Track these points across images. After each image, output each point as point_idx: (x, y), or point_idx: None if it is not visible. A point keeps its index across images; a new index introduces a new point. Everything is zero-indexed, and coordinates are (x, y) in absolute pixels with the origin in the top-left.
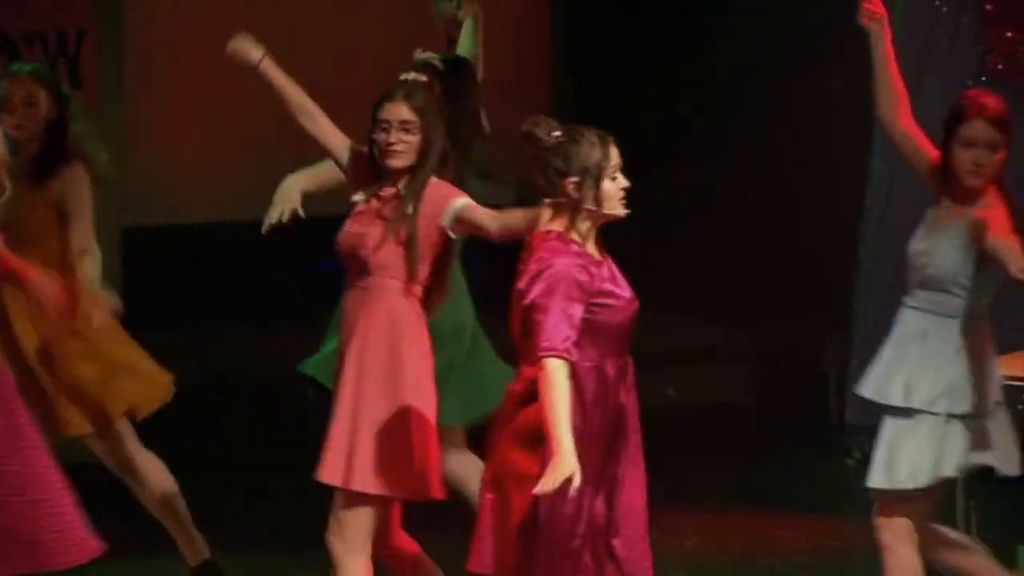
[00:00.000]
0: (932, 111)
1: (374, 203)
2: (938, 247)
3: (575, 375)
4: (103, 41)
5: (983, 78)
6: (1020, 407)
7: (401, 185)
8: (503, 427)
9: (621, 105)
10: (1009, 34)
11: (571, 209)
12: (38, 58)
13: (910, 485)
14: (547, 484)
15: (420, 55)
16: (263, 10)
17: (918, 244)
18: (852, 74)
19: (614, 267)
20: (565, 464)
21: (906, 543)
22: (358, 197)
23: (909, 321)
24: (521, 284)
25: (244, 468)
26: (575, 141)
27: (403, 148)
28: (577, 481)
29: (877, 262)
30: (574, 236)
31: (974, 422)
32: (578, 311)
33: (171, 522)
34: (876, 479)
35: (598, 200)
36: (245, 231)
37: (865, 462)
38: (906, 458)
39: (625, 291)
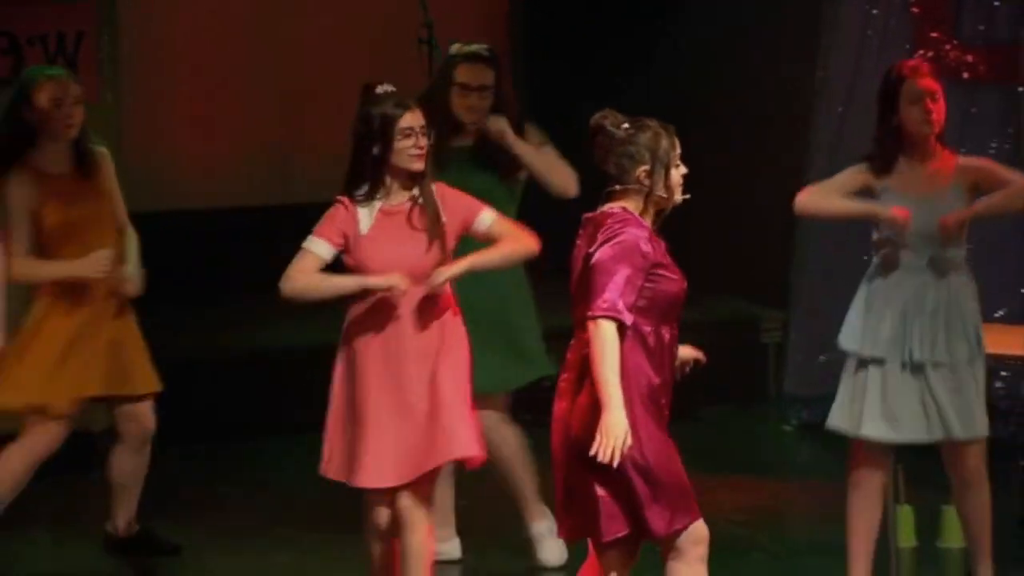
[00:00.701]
0: (866, 106)
1: (392, 218)
2: (942, 207)
3: (642, 337)
4: (100, 41)
5: None
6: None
7: (415, 192)
8: (571, 394)
9: (574, 93)
10: (934, 34)
11: (642, 195)
12: (39, 58)
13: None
14: (605, 450)
15: (462, 48)
16: (250, 11)
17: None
18: (794, 59)
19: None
20: (618, 426)
21: None
22: (364, 225)
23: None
24: (591, 250)
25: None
26: (644, 132)
27: (423, 153)
28: (630, 440)
29: (814, 239)
30: (638, 215)
31: None
32: (640, 279)
33: (132, 491)
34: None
35: (667, 187)
36: (233, 217)
37: (801, 429)
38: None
39: (676, 270)
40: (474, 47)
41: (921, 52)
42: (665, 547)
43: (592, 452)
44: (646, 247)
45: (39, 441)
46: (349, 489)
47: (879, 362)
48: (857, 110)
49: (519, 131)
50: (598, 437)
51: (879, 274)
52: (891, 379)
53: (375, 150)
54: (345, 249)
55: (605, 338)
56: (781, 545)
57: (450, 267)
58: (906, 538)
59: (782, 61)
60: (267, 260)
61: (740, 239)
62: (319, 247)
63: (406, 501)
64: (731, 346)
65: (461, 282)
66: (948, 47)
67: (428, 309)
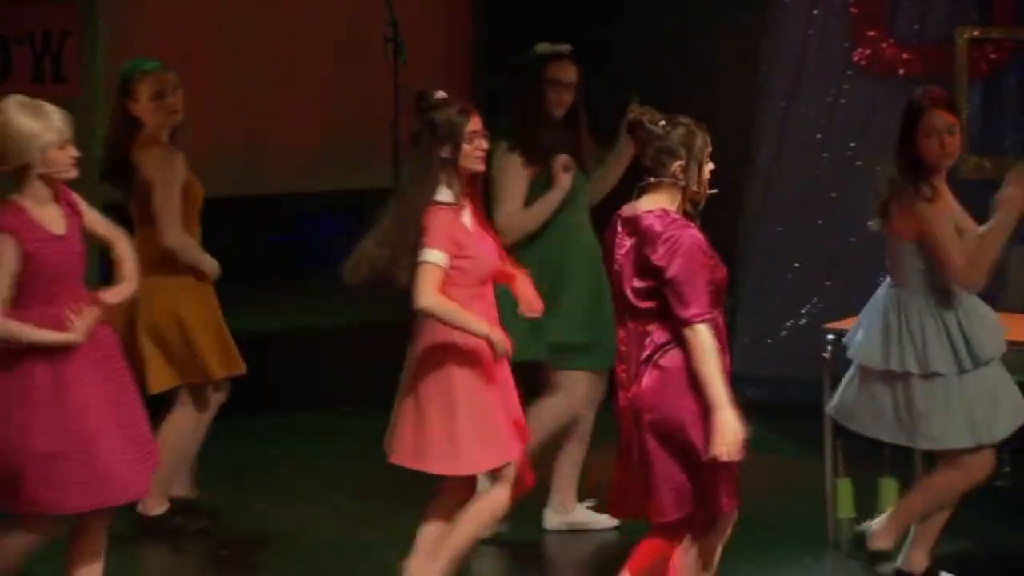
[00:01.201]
0: (809, 100)
1: (473, 218)
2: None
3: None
4: (83, 40)
5: (849, 72)
6: None
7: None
8: (630, 383)
9: None
10: (871, 33)
11: (676, 189)
12: (27, 57)
13: None
14: (725, 449)
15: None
16: (224, 11)
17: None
18: (739, 58)
19: None
20: (731, 425)
21: None
22: (467, 219)
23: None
24: (657, 259)
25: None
26: (679, 128)
27: (485, 155)
28: (743, 436)
29: (759, 230)
30: (675, 211)
31: None
32: (707, 275)
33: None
34: None
35: (700, 181)
36: (208, 207)
37: (748, 407)
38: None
39: (720, 262)
40: (561, 47)
41: (859, 50)
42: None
43: (711, 455)
44: (703, 243)
45: (207, 403)
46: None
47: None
48: (799, 106)
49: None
50: (715, 438)
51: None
52: None
53: (444, 153)
54: (458, 253)
55: (704, 343)
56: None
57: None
58: (845, 510)
59: (727, 59)
60: (240, 248)
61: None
62: (440, 258)
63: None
64: None
65: None
66: (885, 45)
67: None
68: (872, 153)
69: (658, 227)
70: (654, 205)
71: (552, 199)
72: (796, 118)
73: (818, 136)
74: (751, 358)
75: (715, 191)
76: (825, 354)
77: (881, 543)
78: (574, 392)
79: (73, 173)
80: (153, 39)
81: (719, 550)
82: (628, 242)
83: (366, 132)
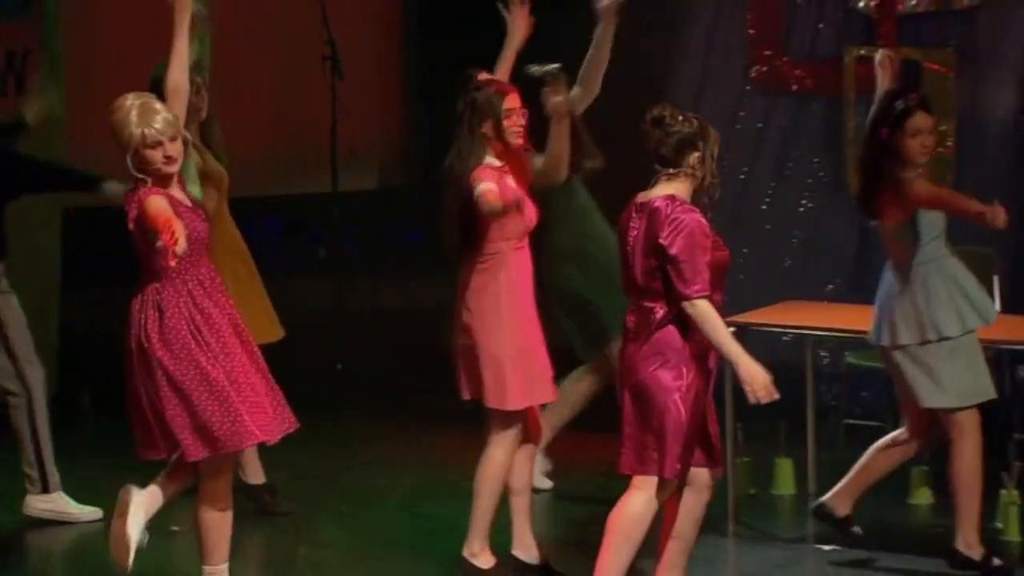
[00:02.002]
0: (711, 113)
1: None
2: None
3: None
4: (45, 55)
5: (748, 87)
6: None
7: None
8: (639, 351)
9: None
10: (767, 52)
11: (690, 179)
12: None
13: None
14: (762, 395)
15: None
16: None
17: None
18: (649, 70)
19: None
20: (755, 372)
21: None
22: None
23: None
24: (662, 239)
25: None
26: (695, 125)
27: (523, 130)
28: (765, 375)
29: None
30: (685, 198)
31: None
32: (709, 255)
33: None
34: None
35: (712, 172)
36: None
37: None
38: None
39: (722, 245)
40: (549, 67)
41: (756, 68)
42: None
43: (752, 402)
44: (706, 227)
45: None
46: None
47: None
48: (704, 115)
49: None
50: (745, 388)
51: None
52: None
53: (485, 129)
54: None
55: (706, 313)
56: None
57: None
58: (745, 486)
59: (641, 72)
60: None
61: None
62: (493, 187)
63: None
64: None
65: None
66: (779, 63)
67: None
68: (766, 162)
69: (666, 210)
70: (665, 192)
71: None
72: None
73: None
74: None
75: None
76: None
77: (842, 511)
78: (610, 367)
79: (168, 169)
80: (110, 56)
81: (693, 515)
82: (639, 226)
83: (307, 142)
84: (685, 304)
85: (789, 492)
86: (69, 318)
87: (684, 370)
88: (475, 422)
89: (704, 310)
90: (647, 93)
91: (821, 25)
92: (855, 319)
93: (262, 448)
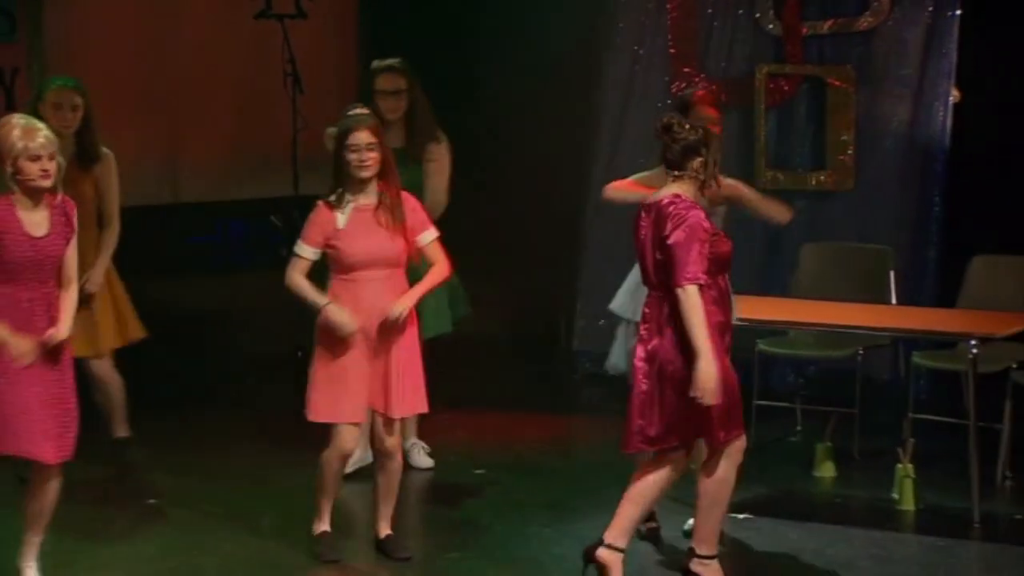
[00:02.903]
0: (636, 125)
1: (362, 214)
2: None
3: (706, 288)
4: (31, 74)
5: (669, 101)
6: None
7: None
8: (651, 339)
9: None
10: (686, 68)
11: (694, 182)
12: None
13: None
14: (706, 394)
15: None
16: (148, 50)
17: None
18: (580, 94)
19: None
20: (709, 374)
21: None
22: (342, 221)
23: None
24: (665, 232)
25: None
26: (699, 133)
27: (368, 164)
28: (717, 380)
29: (595, 228)
30: (690, 197)
31: None
32: (706, 248)
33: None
34: None
35: (714, 176)
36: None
37: (587, 377)
38: None
39: (724, 240)
40: (388, 60)
41: (676, 83)
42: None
43: (691, 395)
44: (706, 223)
45: None
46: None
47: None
48: (628, 130)
49: (429, 135)
50: (695, 383)
51: None
52: None
53: (339, 161)
54: (328, 244)
55: (693, 301)
56: (571, 466)
57: (405, 300)
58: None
59: (570, 98)
60: (157, 252)
61: (534, 227)
62: (306, 251)
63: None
64: (534, 313)
65: None
66: (697, 79)
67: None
68: None
69: (669, 207)
70: (671, 192)
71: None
72: (626, 140)
73: (641, 157)
74: (588, 336)
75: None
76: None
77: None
78: None
79: (42, 183)
80: (89, 73)
81: (734, 468)
82: (648, 224)
83: (270, 150)
84: (677, 290)
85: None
86: None
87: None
88: None
89: (692, 296)
90: (577, 107)
91: (735, 45)
92: (767, 311)
93: None
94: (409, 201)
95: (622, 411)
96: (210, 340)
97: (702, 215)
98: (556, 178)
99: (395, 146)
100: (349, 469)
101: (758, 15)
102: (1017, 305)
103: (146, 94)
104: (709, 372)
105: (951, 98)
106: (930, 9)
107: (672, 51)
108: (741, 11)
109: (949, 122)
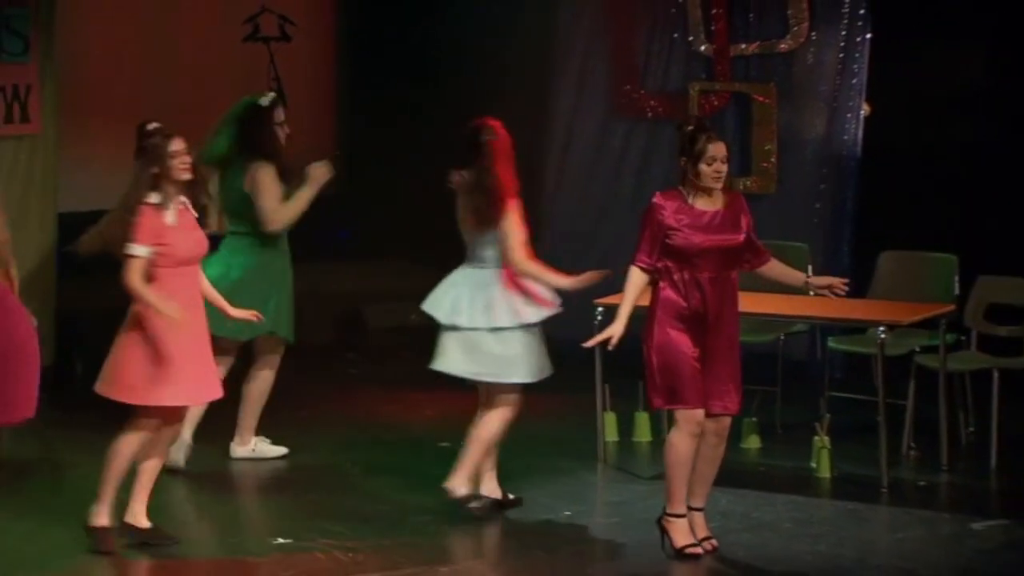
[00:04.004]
0: (582, 135)
1: (185, 214)
2: None
3: (670, 274)
4: (43, 90)
5: (612, 114)
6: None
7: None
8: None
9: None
10: (627, 85)
11: (682, 177)
12: (1, 104)
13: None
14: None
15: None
16: (147, 67)
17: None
18: (531, 101)
19: (712, 215)
20: (612, 329)
21: None
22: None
23: None
24: None
25: None
26: (686, 133)
27: (188, 167)
28: (616, 338)
29: (548, 227)
30: (684, 191)
31: None
32: (658, 234)
33: None
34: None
35: (697, 173)
36: None
37: None
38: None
39: (696, 234)
40: (271, 94)
41: (619, 98)
42: (669, 420)
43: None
44: (659, 215)
45: None
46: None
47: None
48: (575, 139)
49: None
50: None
51: None
52: None
53: (154, 169)
54: (160, 241)
55: (629, 279)
56: (524, 439)
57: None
58: (610, 434)
59: (525, 101)
60: None
61: None
62: (140, 250)
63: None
64: None
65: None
66: (637, 94)
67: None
68: (628, 174)
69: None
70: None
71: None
72: (572, 153)
73: (587, 165)
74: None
75: (715, 186)
76: (595, 322)
77: (462, 491)
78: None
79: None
80: (96, 90)
81: (689, 438)
82: None
83: None
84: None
85: (646, 439)
86: (63, 303)
87: (658, 321)
88: None
89: (631, 274)
90: (531, 118)
91: (670, 64)
92: None
93: None
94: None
95: (574, 390)
96: None
97: (663, 206)
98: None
99: None
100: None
101: (691, 38)
102: (920, 296)
103: (147, 107)
104: (613, 328)
105: (862, 112)
106: (844, 33)
107: (615, 70)
108: (676, 34)
109: (861, 133)
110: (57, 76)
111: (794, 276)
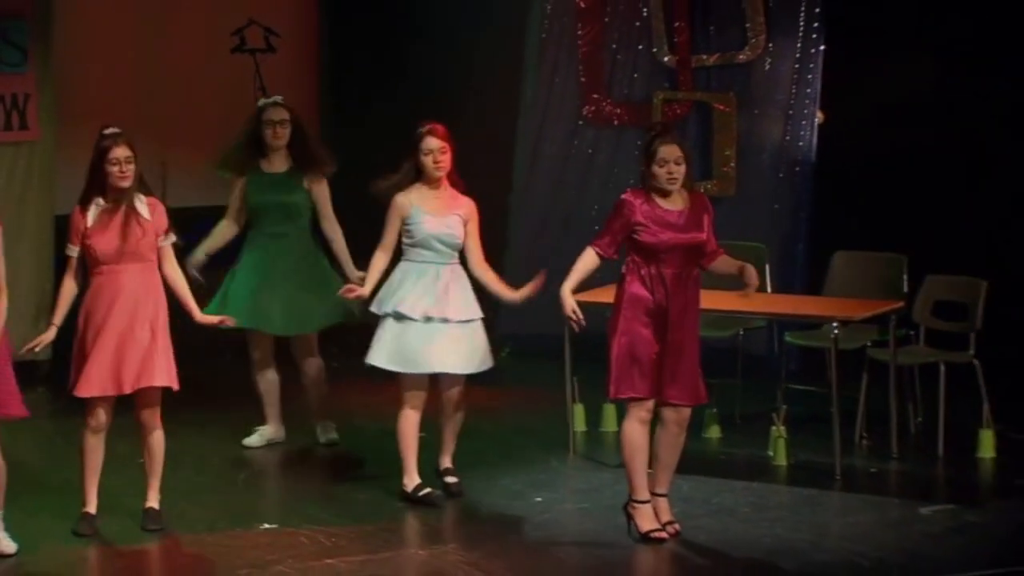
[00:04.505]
0: (552, 142)
1: (112, 215)
2: None
3: (637, 268)
4: (41, 98)
5: (581, 122)
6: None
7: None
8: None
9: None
10: (595, 95)
11: (643, 179)
12: (1, 112)
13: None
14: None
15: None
16: (142, 75)
17: None
18: (503, 109)
19: (678, 214)
20: (565, 302)
21: None
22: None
23: None
24: None
25: None
26: (647, 138)
27: (126, 175)
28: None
29: (520, 227)
30: (649, 192)
31: None
32: (621, 226)
33: None
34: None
35: (652, 175)
36: None
37: (510, 355)
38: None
39: (664, 231)
40: (273, 97)
41: (587, 107)
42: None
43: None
44: (628, 210)
45: None
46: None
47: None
48: (545, 146)
49: (313, 160)
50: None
51: None
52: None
53: (97, 173)
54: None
55: (582, 257)
56: (498, 428)
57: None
58: (579, 425)
59: (500, 110)
60: None
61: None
62: (71, 250)
63: (140, 406)
64: None
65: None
66: (604, 103)
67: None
68: (595, 178)
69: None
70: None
71: None
72: (543, 155)
73: (557, 170)
74: (514, 319)
75: (673, 188)
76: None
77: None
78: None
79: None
80: (91, 97)
81: (639, 424)
82: None
83: None
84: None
85: (613, 429)
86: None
87: (623, 313)
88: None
89: (583, 254)
90: (505, 126)
91: (636, 75)
92: None
93: None
94: (153, 204)
95: (545, 383)
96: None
97: (630, 198)
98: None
99: (280, 171)
100: (258, 444)
101: (655, 49)
102: (872, 293)
103: (140, 115)
104: (563, 296)
105: (816, 119)
106: (799, 45)
107: (583, 79)
108: (641, 46)
109: (815, 139)
110: (54, 85)
111: (732, 265)
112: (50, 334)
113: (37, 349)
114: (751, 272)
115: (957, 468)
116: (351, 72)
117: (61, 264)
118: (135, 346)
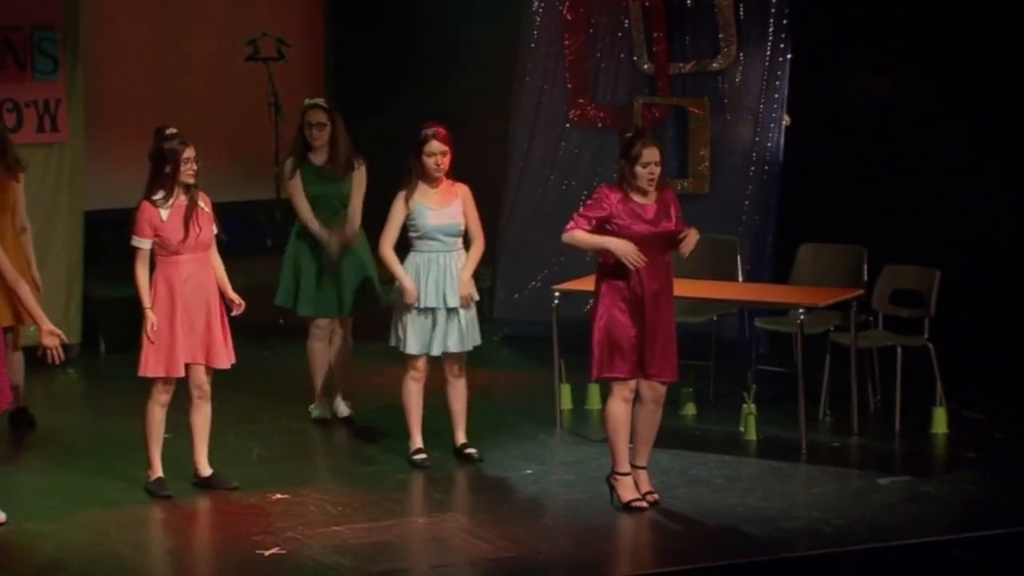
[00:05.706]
0: (542, 144)
1: (178, 210)
2: None
3: (616, 265)
4: (71, 104)
5: (567, 124)
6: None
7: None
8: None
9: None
10: (580, 99)
11: (620, 177)
12: (33, 115)
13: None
14: (632, 258)
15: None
16: (161, 82)
17: None
18: (495, 111)
19: (649, 208)
20: (626, 247)
21: None
22: (165, 215)
23: None
24: None
25: None
26: (626, 139)
27: (195, 172)
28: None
29: (512, 226)
30: (625, 188)
31: None
32: (597, 215)
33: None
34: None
35: (632, 175)
36: None
37: (503, 339)
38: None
39: (639, 223)
40: (315, 100)
41: (573, 111)
42: (603, 389)
43: (634, 263)
44: (605, 202)
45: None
46: None
47: None
48: (534, 148)
49: (348, 163)
50: (622, 257)
51: None
52: None
53: (167, 170)
54: (154, 235)
55: (573, 236)
56: (492, 407)
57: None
58: (566, 403)
59: (493, 114)
60: None
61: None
62: (142, 242)
63: (196, 383)
64: None
65: None
66: (589, 107)
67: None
68: (581, 178)
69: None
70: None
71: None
72: (533, 158)
73: (546, 168)
74: (507, 306)
75: (652, 187)
76: (553, 304)
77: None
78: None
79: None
80: (116, 103)
81: (622, 403)
82: None
83: (256, 163)
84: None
85: (597, 407)
86: (89, 290)
87: (603, 300)
88: None
89: (576, 234)
90: (497, 129)
91: (618, 81)
92: None
93: None
94: (206, 200)
95: (534, 365)
96: None
97: (608, 192)
98: (479, 184)
99: (324, 164)
100: (317, 414)
101: (636, 58)
102: (834, 282)
103: (161, 118)
104: (618, 244)
105: (784, 122)
106: (768, 54)
107: (569, 85)
108: (622, 55)
109: (782, 141)
110: (83, 91)
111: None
112: (151, 317)
113: (150, 335)
114: (692, 235)
115: (912, 443)
116: (356, 78)
117: (91, 256)
118: (204, 327)
